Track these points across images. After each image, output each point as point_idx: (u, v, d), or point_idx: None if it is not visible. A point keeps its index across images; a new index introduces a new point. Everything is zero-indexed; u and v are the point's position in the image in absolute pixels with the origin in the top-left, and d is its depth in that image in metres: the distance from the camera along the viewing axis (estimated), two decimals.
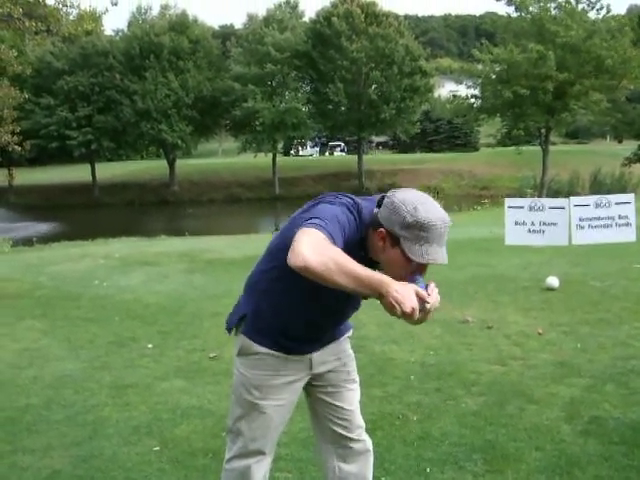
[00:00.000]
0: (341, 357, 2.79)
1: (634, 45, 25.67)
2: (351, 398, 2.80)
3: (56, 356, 6.17)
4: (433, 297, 2.27)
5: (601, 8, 26.64)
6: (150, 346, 6.32)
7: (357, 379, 2.86)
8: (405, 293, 2.16)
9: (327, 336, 2.72)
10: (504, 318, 6.90)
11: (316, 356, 2.70)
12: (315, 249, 2.13)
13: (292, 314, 2.55)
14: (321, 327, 2.65)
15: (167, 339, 6.57)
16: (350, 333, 2.88)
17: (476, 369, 5.35)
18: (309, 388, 2.80)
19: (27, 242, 18.09)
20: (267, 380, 2.63)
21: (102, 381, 5.39)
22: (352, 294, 2.37)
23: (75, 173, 51.79)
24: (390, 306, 2.16)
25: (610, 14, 26.88)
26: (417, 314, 2.19)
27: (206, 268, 10.74)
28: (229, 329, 2.71)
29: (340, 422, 2.77)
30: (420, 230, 2.26)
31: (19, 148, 21.06)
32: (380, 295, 2.17)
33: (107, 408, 4.81)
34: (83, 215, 40.33)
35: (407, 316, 2.17)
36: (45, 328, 7.20)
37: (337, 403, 2.77)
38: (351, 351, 2.87)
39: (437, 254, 2.29)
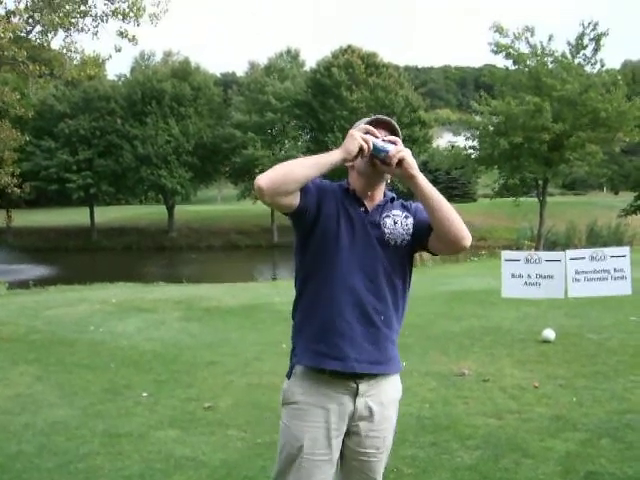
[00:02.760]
0: (384, 402, 2.69)
1: (628, 99, 26.00)
2: (379, 467, 2.75)
3: (49, 402, 6.13)
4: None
5: (595, 62, 27.07)
6: (145, 394, 6.28)
7: (388, 444, 2.77)
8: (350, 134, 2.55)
9: (362, 338, 2.59)
10: (500, 371, 6.88)
11: (362, 386, 2.62)
12: (264, 173, 2.47)
13: (316, 302, 2.62)
14: (347, 315, 2.57)
15: (162, 388, 6.54)
16: (398, 373, 2.78)
17: (472, 423, 5.32)
18: (343, 450, 2.72)
19: (23, 285, 18.01)
20: (307, 432, 2.59)
21: (95, 429, 5.35)
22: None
23: (74, 216, 51.92)
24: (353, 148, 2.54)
25: (605, 68, 27.33)
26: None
27: (203, 316, 10.69)
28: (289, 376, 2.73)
29: None
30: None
31: (18, 190, 21.18)
32: (344, 157, 2.55)
33: (100, 457, 4.76)
34: (81, 258, 40.37)
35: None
36: (39, 373, 7.16)
37: (367, 472, 2.72)
38: (393, 414, 2.77)
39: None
